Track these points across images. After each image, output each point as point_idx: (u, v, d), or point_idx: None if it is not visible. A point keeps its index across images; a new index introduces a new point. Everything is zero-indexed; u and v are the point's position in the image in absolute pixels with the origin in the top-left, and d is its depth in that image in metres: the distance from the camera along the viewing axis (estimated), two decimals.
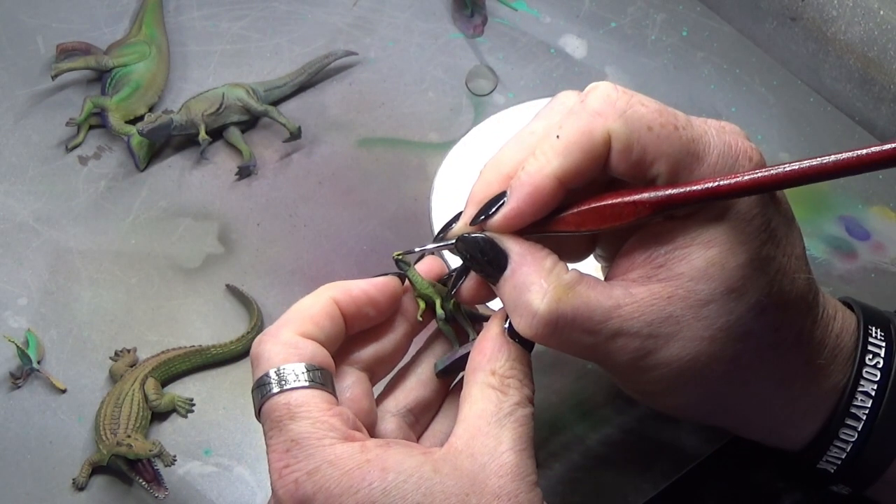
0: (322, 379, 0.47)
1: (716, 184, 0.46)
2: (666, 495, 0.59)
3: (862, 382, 0.51)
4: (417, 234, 0.69)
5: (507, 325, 0.49)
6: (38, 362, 0.63)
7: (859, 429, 0.51)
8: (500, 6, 0.82)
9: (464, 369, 0.50)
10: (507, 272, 0.48)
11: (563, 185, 0.47)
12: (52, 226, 0.70)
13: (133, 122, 0.74)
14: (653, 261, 0.48)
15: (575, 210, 0.48)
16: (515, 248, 0.48)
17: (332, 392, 0.48)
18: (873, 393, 0.51)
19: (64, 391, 0.63)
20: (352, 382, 0.50)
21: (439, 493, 0.44)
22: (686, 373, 0.48)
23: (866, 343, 0.52)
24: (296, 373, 0.47)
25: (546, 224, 0.49)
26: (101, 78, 0.76)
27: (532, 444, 0.47)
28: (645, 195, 0.47)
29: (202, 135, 0.72)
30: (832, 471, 0.53)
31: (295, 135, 0.73)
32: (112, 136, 0.74)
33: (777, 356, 0.50)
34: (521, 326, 0.48)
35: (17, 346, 0.63)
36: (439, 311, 0.52)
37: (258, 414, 0.47)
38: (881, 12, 0.76)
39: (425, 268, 0.52)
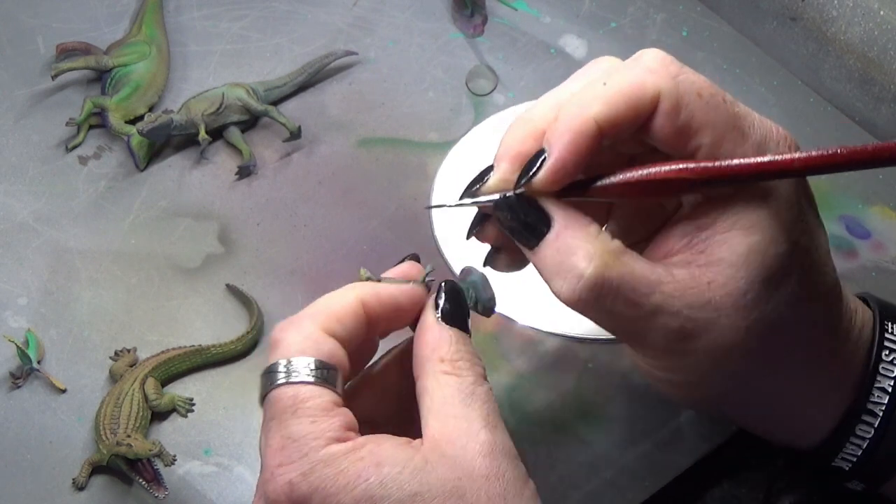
0: (332, 378, 0.47)
1: (768, 160, 0.45)
2: (666, 495, 0.59)
3: (878, 378, 0.51)
4: (417, 235, 0.69)
5: (438, 314, 0.48)
6: (38, 362, 0.63)
7: (875, 425, 0.51)
8: (500, 6, 0.82)
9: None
10: (551, 235, 0.47)
11: (602, 133, 0.46)
12: (52, 226, 0.70)
13: (133, 122, 0.74)
14: (693, 246, 0.47)
15: (620, 177, 0.47)
16: (559, 212, 0.47)
17: (340, 393, 0.47)
18: (890, 389, 0.51)
19: (64, 391, 0.63)
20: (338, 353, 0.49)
21: (435, 481, 0.44)
22: (720, 362, 0.48)
23: (883, 338, 0.51)
24: (309, 367, 0.46)
25: (585, 191, 0.47)
26: (101, 78, 0.76)
27: (502, 421, 0.47)
28: (696, 165, 0.46)
29: (202, 135, 0.72)
30: (847, 468, 0.52)
31: (295, 135, 0.73)
32: (112, 136, 0.74)
33: (807, 350, 0.49)
34: (564, 290, 0.47)
35: (17, 346, 0.63)
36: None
37: (262, 400, 0.47)
38: (881, 12, 0.76)
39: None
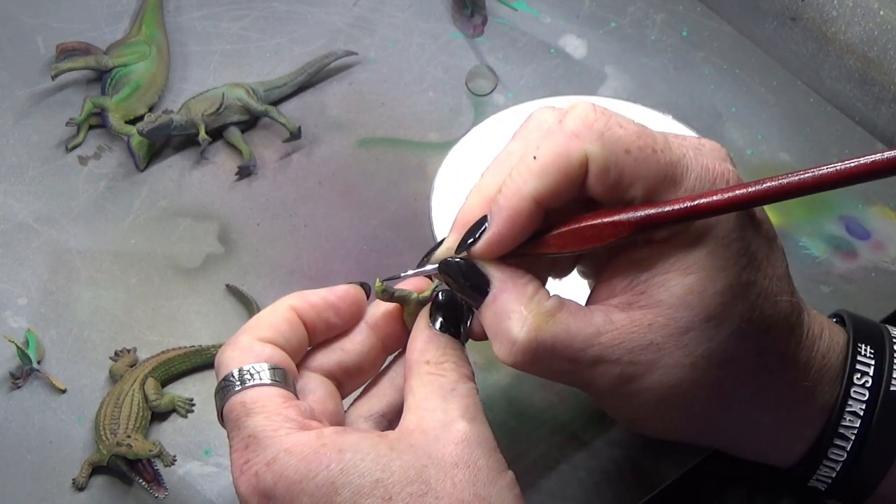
0: (279, 377, 0.48)
1: (694, 203, 0.46)
2: (666, 494, 0.59)
3: (850, 402, 0.51)
4: (417, 235, 0.69)
5: (431, 320, 0.50)
6: (38, 362, 0.63)
7: (848, 449, 0.51)
8: (500, 6, 0.82)
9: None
10: (489, 298, 0.48)
11: (541, 206, 0.47)
12: (52, 226, 0.70)
13: (133, 122, 0.74)
14: (633, 287, 0.48)
15: (555, 232, 0.48)
16: (497, 274, 0.49)
17: (291, 389, 0.48)
18: (862, 413, 0.51)
19: (64, 391, 0.63)
20: (315, 385, 0.50)
21: (398, 469, 0.45)
22: (668, 399, 0.48)
23: (854, 362, 0.51)
24: (253, 372, 0.48)
25: (528, 246, 0.49)
26: (101, 78, 0.76)
27: (483, 415, 0.47)
28: (624, 216, 0.47)
29: (202, 135, 0.72)
30: (823, 489, 0.53)
31: (295, 135, 0.73)
32: (112, 136, 0.74)
33: (761, 380, 0.50)
34: (501, 354, 0.48)
35: (17, 346, 0.63)
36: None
37: (220, 419, 0.48)
38: (881, 12, 0.76)
39: (413, 285, 0.52)
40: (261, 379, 0.47)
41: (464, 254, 0.49)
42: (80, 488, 0.59)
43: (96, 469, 0.59)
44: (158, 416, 0.62)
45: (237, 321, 0.65)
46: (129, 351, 0.64)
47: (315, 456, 0.45)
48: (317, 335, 0.51)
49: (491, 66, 0.78)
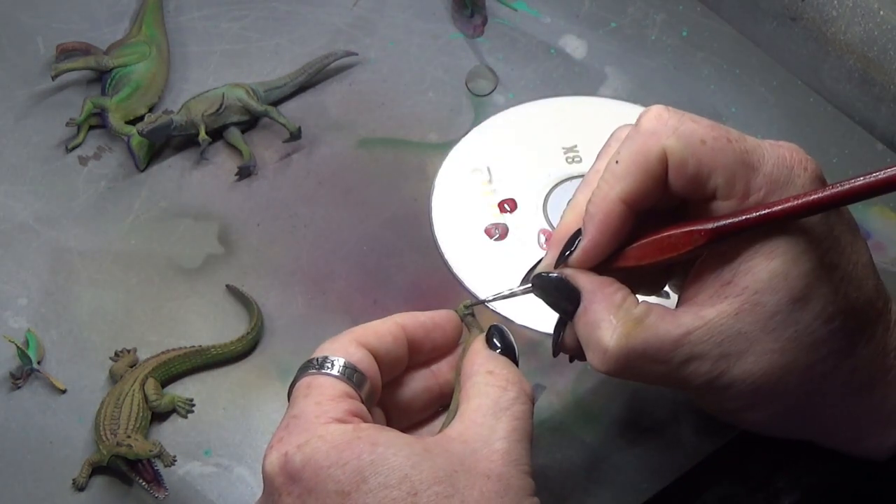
0: (356, 379, 0.49)
1: (767, 211, 0.47)
2: (666, 494, 0.59)
3: None
4: (417, 235, 0.69)
5: (494, 346, 0.52)
6: (38, 362, 0.63)
7: None
8: (500, 6, 0.81)
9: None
10: (580, 309, 0.50)
11: (629, 207, 0.49)
12: (52, 226, 0.70)
13: (133, 122, 0.74)
14: (720, 279, 0.49)
15: (635, 245, 0.50)
16: (587, 286, 0.50)
17: (361, 395, 0.49)
18: None
19: (64, 391, 0.63)
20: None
21: (427, 469, 0.45)
22: (761, 388, 0.49)
23: None
24: (334, 364, 0.49)
25: (611, 262, 0.51)
26: (101, 78, 0.76)
27: (529, 438, 0.48)
28: (699, 225, 0.48)
29: (202, 135, 0.72)
30: None
31: (295, 135, 0.73)
32: (112, 137, 0.74)
33: (850, 364, 0.50)
34: (595, 362, 0.49)
35: (17, 347, 0.63)
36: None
37: (289, 391, 0.50)
38: (881, 12, 0.76)
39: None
40: (335, 371, 0.49)
41: (555, 271, 0.51)
42: (80, 488, 0.59)
43: (96, 469, 0.59)
44: (158, 416, 0.62)
45: (237, 321, 0.65)
46: (129, 351, 0.64)
47: (348, 445, 0.45)
48: (419, 355, 0.53)
49: (491, 67, 0.78)
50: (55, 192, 0.72)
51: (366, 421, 0.48)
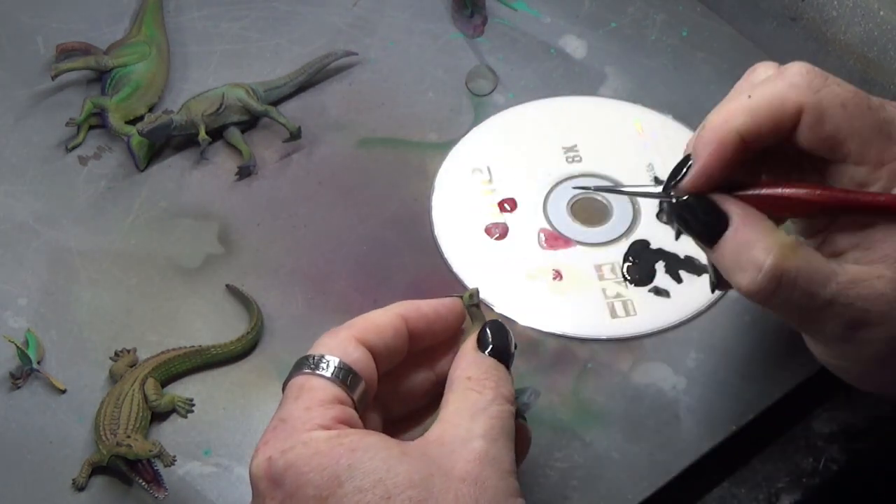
0: (351, 381, 0.49)
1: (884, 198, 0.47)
2: (665, 493, 0.59)
3: None
4: (417, 235, 0.69)
5: (482, 348, 0.51)
6: (38, 362, 0.63)
7: None
8: (500, 6, 0.81)
9: None
10: (730, 232, 0.49)
11: (745, 143, 0.49)
12: (52, 226, 0.70)
13: (133, 122, 0.74)
14: (858, 245, 0.49)
15: (752, 192, 0.50)
16: (736, 210, 0.49)
17: (354, 397, 0.49)
18: None
19: (64, 391, 0.63)
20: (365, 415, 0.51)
21: (402, 472, 0.45)
22: (892, 354, 0.49)
23: None
24: (329, 364, 0.49)
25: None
26: (101, 78, 0.76)
27: (510, 438, 0.48)
28: (817, 193, 0.49)
29: (202, 135, 0.72)
30: None
31: (295, 135, 0.73)
32: (112, 136, 0.74)
33: None
34: (746, 282, 0.48)
35: (17, 347, 0.63)
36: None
37: (283, 387, 0.50)
38: (881, 13, 0.76)
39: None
40: (333, 375, 0.48)
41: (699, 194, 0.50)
42: (80, 488, 0.59)
43: (96, 469, 0.59)
44: (158, 416, 0.62)
45: (237, 321, 0.65)
46: (129, 351, 0.64)
47: (329, 451, 0.45)
48: (419, 345, 0.53)
49: (491, 67, 0.78)
50: (55, 192, 0.72)
51: (354, 426, 0.48)
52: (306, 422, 0.47)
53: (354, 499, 0.44)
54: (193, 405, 0.62)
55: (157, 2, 0.80)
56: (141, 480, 0.58)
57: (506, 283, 0.66)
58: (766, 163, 0.53)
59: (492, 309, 0.64)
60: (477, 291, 0.54)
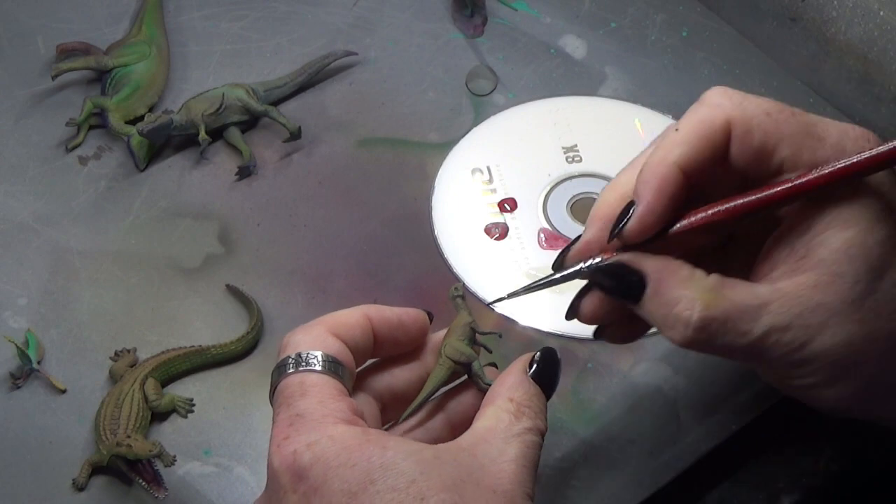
0: (340, 372, 0.49)
1: (855, 160, 0.46)
2: (665, 494, 0.59)
3: None
4: (417, 235, 0.69)
5: (530, 369, 0.51)
6: (38, 362, 0.63)
7: None
8: (500, 6, 0.81)
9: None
10: (649, 291, 0.48)
11: (685, 176, 0.48)
12: (52, 226, 0.70)
13: (133, 122, 0.74)
14: (795, 253, 0.48)
15: (701, 211, 0.49)
16: (651, 266, 0.49)
17: (348, 387, 0.49)
18: None
19: (64, 391, 0.63)
20: (362, 403, 0.51)
21: (436, 475, 0.45)
22: (842, 360, 0.48)
23: None
24: (317, 358, 0.49)
25: (663, 240, 0.49)
26: (101, 78, 0.76)
27: (535, 468, 0.48)
28: (778, 188, 0.48)
29: (202, 135, 0.72)
30: None
31: (295, 135, 0.73)
32: (112, 136, 0.74)
33: None
34: (677, 338, 0.48)
35: (17, 347, 0.63)
36: (475, 366, 0.52)
37: (272, 394, 0.49)
38: (881, 13, 0.76)
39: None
40: (322, 367, 0.48)
41: (607, 257, 0.50)
42: (80, 488, 0.59)
43: (96, 469, 0.59)
44: (158, 416, 0.62)
45: (237, 321, 0.65)
46: (129, 351, 0.64)
47: (358, 447, 0.45)
48: (382, 349, 0.52)
49: (491, 66, 0.78)
50: (55, 192, 0.72)
51: (363, 418, 0.48)
52: (326, 415, 0.47)
53: (387, 497, 0.44)
54: (193, 405, 0.62)
55: (157, 2, 0.80)
56: (141, 480, 0.58)
57: (506, 284, 0.66)
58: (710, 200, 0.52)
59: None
60: (462, 286, 0.55)
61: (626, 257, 0.49)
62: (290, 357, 0.49)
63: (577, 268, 0.50)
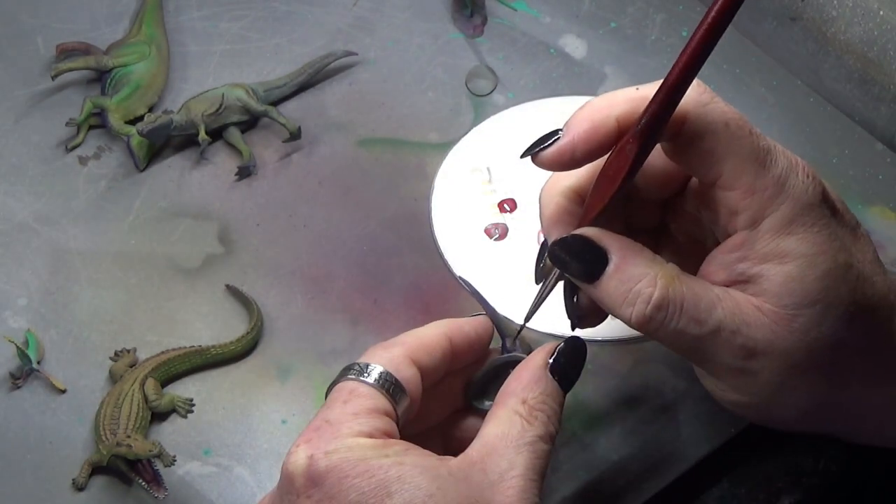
0: (397, 395, 0.49)
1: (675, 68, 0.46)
2: (665, 495, 0.59)
3: None
4: (418, 235, 0.69)
5: (551, 360, 0.50)
6: (38, 362, 0.63)
7: None
8: (500, 6, 0.81)
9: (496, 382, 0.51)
10: (611, 267, 0.48)
11: (619, 130, 0.48)
12: (52, 226, 0.70)
13: (133, 122, 0.74)
14: (735, 276, 0.48)
15: (594, 189, 0.49)
16: (614, 244, 0.49)
17: (398, 412, 0.49)
18: None
19: (64, 391, 0.63)
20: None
21: (452, 492, 0.45)
22: (788, 382, 0.48)
23: None
24: (380, 375, 0.49)
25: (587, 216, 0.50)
26: (101, 78, 0.76)
27: (543, 476, 0.48)
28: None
29: (202, 135, 0.72)
30: None
31: (295, 135, 0.73)
32: (112, 136, 0.74)
33: (872, 360, 0.50)
34: (634, 315, 0.48)
35: (17, 347, 0.63)
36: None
37: (328, 390, 0.50)
38: (881, 12, 0.76)
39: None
40: (382, 386, 0.48)
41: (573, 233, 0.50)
42: (80, 488, 0.59)
43: (96, 469, 0.59)
44: (158, 416, 0.62)
45: (237, 321, 0.65)
46: (128, 351, 0.64)
47: (376, 459, 0.45)
48: (454, 365, 0.53)
49: (491, 66, 0.78)
50: (55, 192, 0.72)
51: (394, 438, 0.48)
52: (353, 427, 0.47)
53: None
54: (193, 405, 0.63)
55: (157, 2, 0.80)
56: (141, 480, 0.58)
57: (506, 284, 0.66)
58: (667, 211, 0.53)
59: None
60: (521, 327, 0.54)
61: (590, 232, 0.50)
62: (357, 364, 0.49)
63: (543, 240, 0.51)
